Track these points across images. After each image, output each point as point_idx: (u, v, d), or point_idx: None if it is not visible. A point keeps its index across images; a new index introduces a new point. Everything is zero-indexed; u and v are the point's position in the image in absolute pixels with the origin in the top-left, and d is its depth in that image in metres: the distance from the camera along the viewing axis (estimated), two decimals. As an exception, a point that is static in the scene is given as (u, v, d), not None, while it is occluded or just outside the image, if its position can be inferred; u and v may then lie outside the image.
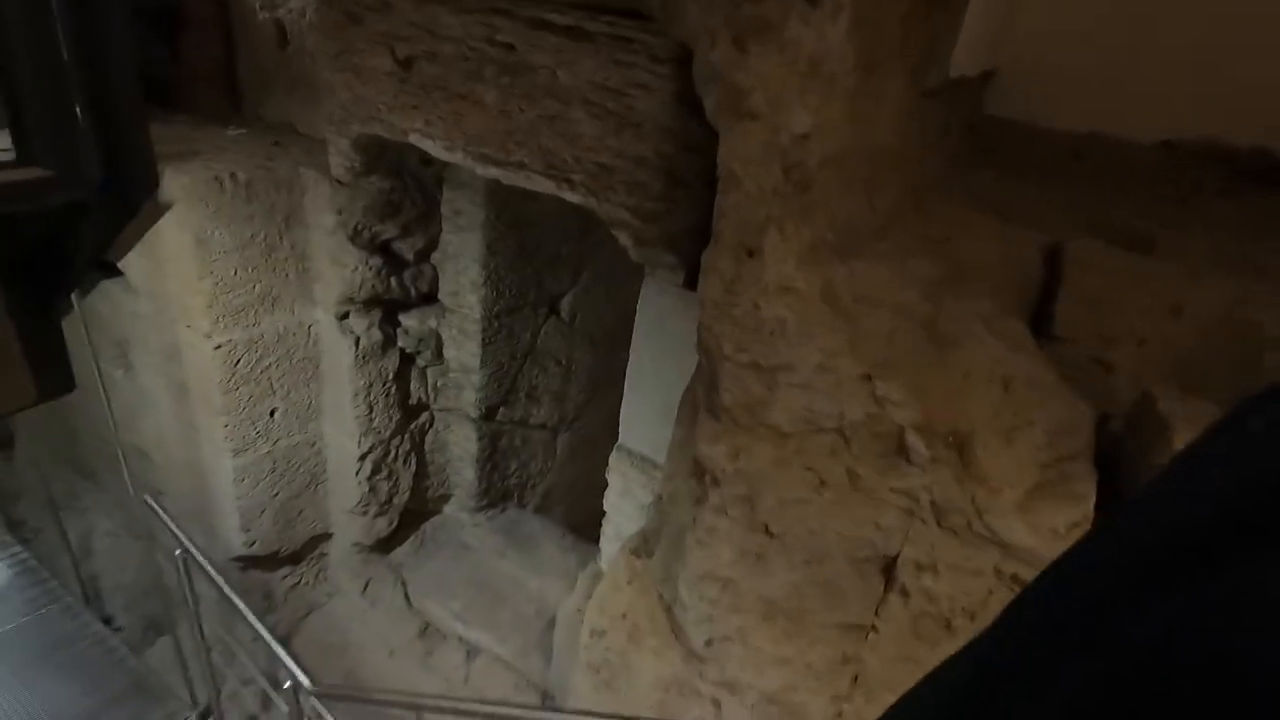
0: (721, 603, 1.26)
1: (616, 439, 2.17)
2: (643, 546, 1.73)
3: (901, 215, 1.43)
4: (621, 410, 2.08)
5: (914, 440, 0.94)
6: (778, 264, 0.96)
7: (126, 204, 1.83)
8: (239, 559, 2.73)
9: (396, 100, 1.87)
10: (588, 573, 2.29)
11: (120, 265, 2.47)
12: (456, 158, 1.78)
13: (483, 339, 2.72)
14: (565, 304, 3.09)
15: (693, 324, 1.50)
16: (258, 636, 2.81)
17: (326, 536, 3.01)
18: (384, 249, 2.46)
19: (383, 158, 2.21)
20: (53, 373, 1.87)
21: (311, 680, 1.71)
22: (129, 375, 2.87)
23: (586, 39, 1.45)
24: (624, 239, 1.58)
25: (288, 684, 1.78)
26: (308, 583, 3.05)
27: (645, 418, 1.95)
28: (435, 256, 2.65)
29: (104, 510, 3.64)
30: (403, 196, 2.37)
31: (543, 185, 1.65)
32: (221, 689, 2.57)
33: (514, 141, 1.66)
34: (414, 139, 1.86)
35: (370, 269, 2.40)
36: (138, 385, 2.80)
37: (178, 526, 2.16)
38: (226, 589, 1.98)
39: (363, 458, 2.68)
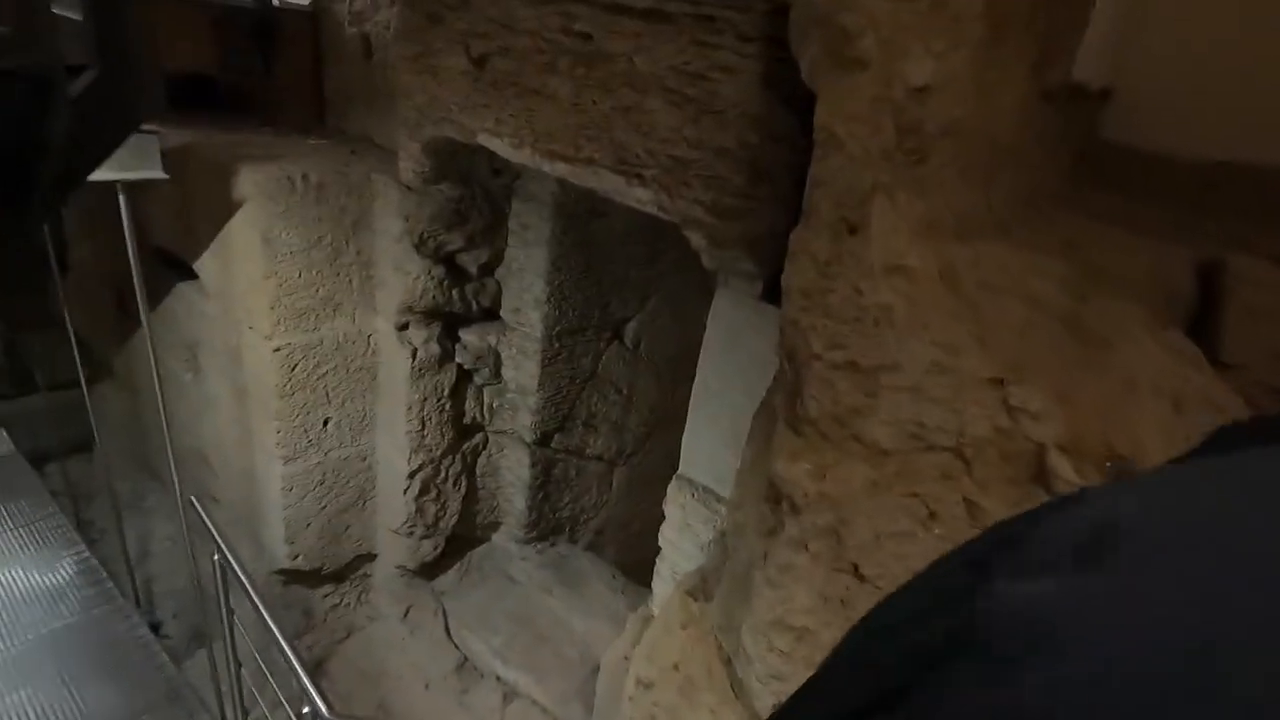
0: (794, 657, 1.05)
1: (670, 479, 1.99)
2: (701, 587, 1.53)
3: (1020, 220, 1.23)
4: (684, 436, 1.91)
5: (1058, 463, 0.73)
6: (886, 239, 0.79)
7: (112, 114, 1.43)
8: (282, 572, 2.66)
9: (469, 100, 1.81)
10: (638, 615, 2.08)
11: (195, 267, 2.51)
12: (524, 155, 1.70)
13: (542, 359, 2.62)
14: (630, 330, 2.97)
15: (769, 341, 1.33)
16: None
17: (371, 557, 2.91)
18: (448, 261, 2.40)
19: (453, 164, 2.17)
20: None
21: (329, 708, 1.57)
22: (197, 379, 2.90)
23: (666, 21, 1.35)
24: (697, 240, 1.44)
25: (306, 710, 1.64)
26: (349, 604, 2.95)
27: (710, 444, 1.76)
28: (499, 272, 2.59)
29: (165, 514, 3.67)
30: (470, 206, 2.32)
31: (611, 182, 1.54)
32: (249, 710, 2.46)
33: (585, 136, 1.56)
34: (482, 139, 1.80)
35: (433, 279, 2.34)
36: (203, 389, 2.82)
37: (222, 534, 2.10)
38: (256, 599, 1.88)
39: (412, 475, 2.58)
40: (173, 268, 2.67)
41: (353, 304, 2.37)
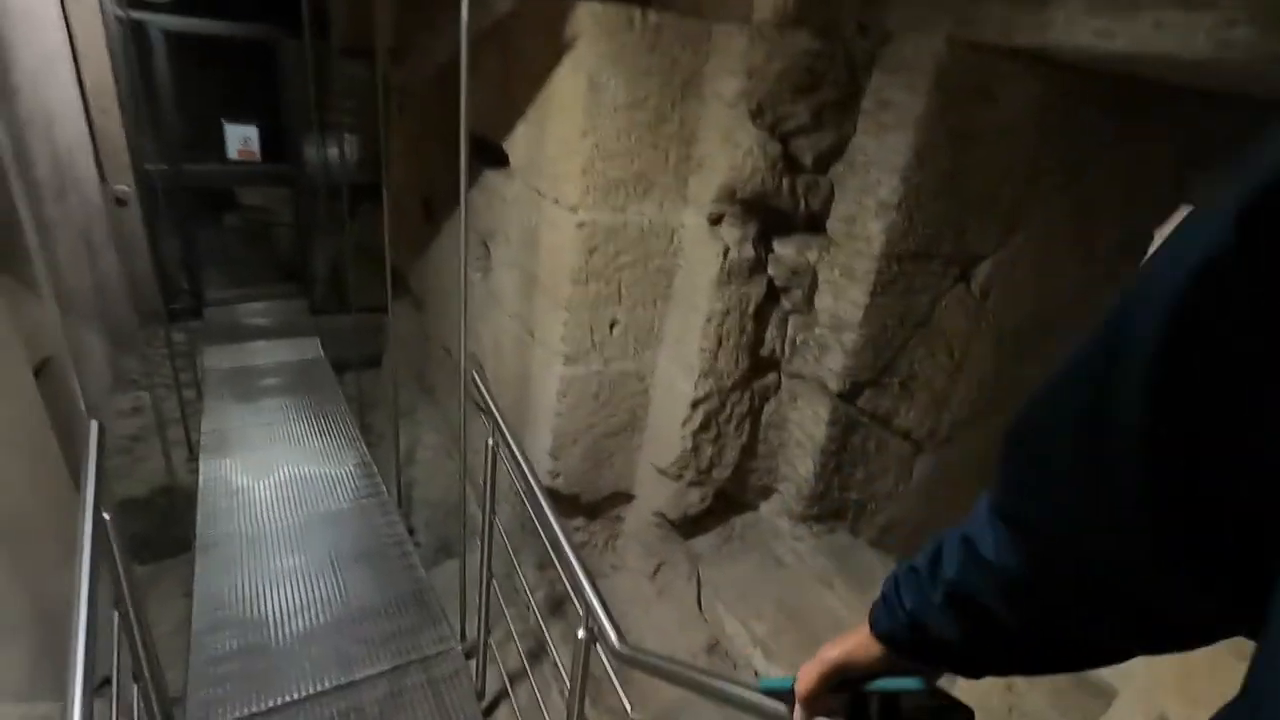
0: None
1: (990, 482, 1.29)
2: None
3: None
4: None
5: None
6: None
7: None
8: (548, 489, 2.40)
9: None
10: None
11: (505, 145, 2.35)
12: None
13: (873, 286, 2.05)
14: (981, 272, 2.28)
15: None
16: (548, 580, 2.45)
17: (628, 498, 2.57)
18: (783, 142, 1.95)
19: (820, 5, 1.70)
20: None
21: (621, 637, 1.16)
22: (485, 279, 2.80)
23: None
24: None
25: (582, 634, 1.26)
26: (596, 545, 2.64)
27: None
28: (835, 170, 2.08)
29: (433, 425, 3.75)
30: (826, 69, 1.84)
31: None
32: (492, 629, 2.22)
33: None
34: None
35: (766, 157, 1.90)
36: (489, 287, 2.70)
37: (502, 418, 1.85)
38: (539, 489, 1.57)
39: (696, 404, 2.17)
40: (480, 156, 2.56)
41: (664, 187, 2.02)
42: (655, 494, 2.45)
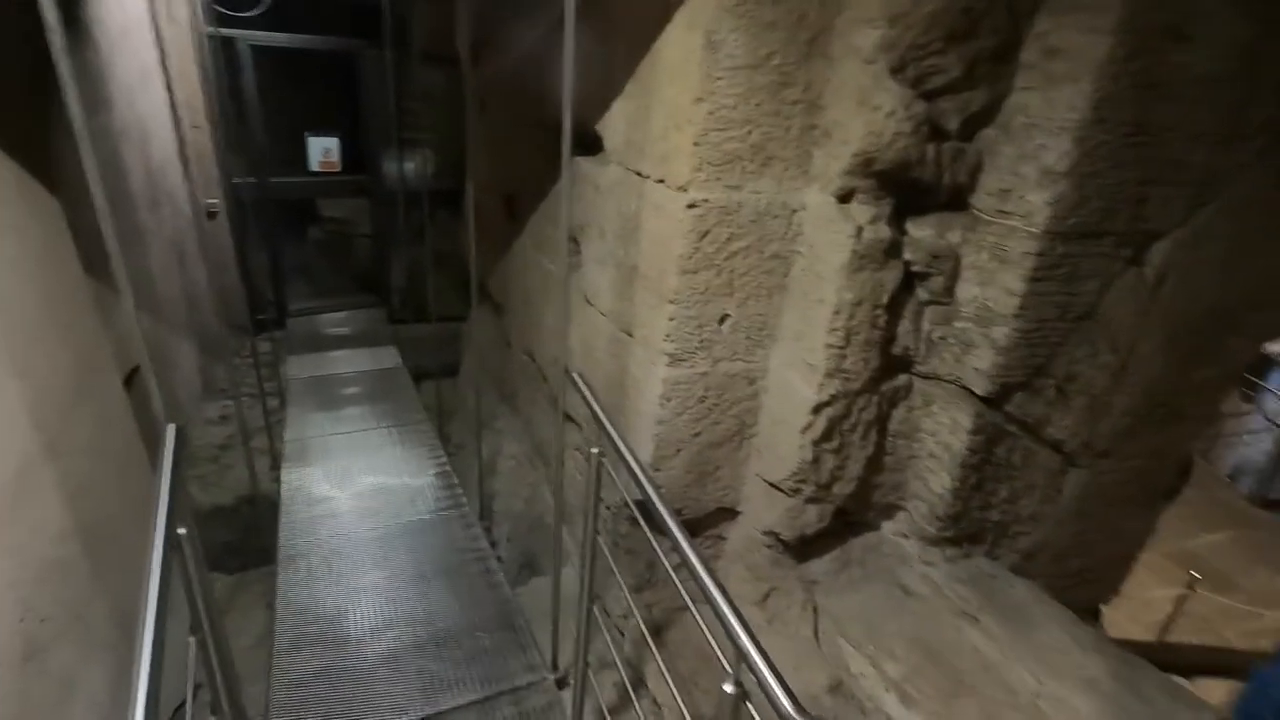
0: None
1: (1152, 503, 1.07)
2: None
3: None
4: None
5: None
6: None
7: None
8: (638, 505, 2.18)
9: None
10: None
11: (599, 127, 2.16)
12: None
13: (1032, 271, 1.75)
14: (1157, 253, 1.93)
15: None
16: (644, 603, 2.22)
17: (732, 514, 2.32)
18: (928, 100, 1.67)
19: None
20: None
21: (796, 703, 0.91)
22: (574, 276, 2.62)
23: None
24: None
25: (731, 689, 1.02)
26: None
27: None
28: (984, 136, 1.78)
29: (514, 434, 3.59)
30: (984, 10, 1.56)
31: None
32: (589, 659, 2.01)
33: None
34: None
35: (910, 119, 1.63)
36: (579, 285, 2.51)
37: (610, 420, 1.63)
38: (663, 508, 1.34)
39: (818, 409, 1.90)
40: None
41: (784, 161, 1.77)
42: (765, 511, 2.19)
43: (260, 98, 5.11)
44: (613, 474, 1.70)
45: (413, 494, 3.32)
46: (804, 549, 2.23)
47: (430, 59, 4.99)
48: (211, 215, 5.16)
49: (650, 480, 1.50)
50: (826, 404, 1.90)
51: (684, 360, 1.93)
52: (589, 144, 2.29)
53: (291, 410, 4.31)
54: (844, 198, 1.76)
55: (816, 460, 1.99)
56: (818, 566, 2.27)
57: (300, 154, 5.59)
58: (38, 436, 1.66)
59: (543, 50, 2.66)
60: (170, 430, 1.33)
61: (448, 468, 3.58)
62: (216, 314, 5.13)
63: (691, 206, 1.73)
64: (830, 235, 1.78)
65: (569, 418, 2.77)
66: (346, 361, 5.12)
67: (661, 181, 1.81)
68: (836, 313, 1.79)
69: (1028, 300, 1.79)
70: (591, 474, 1.68)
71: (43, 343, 1.80)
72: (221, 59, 4.59)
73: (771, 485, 2.12)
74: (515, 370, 3.57)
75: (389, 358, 5.25)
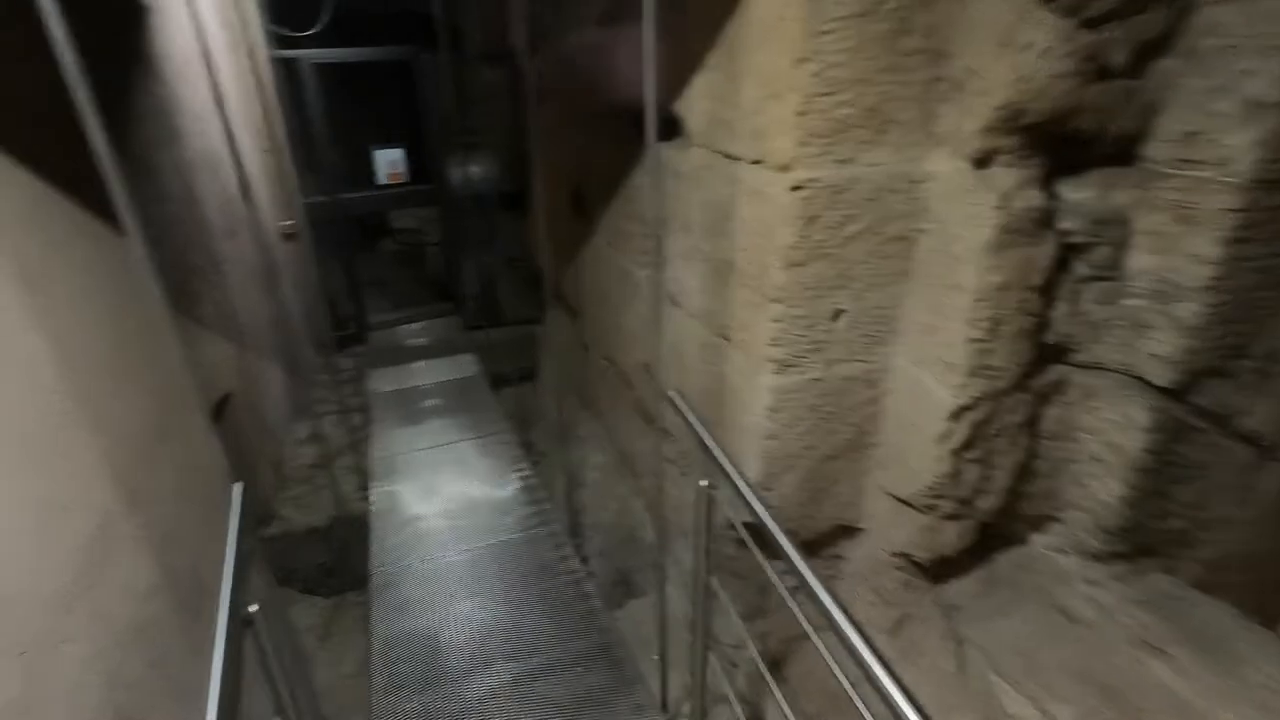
0: None
1: None
2: None
3: None
4: None
5: None
6: None
7: None
8: (746, 525, 1.95)
9: None
10: None
11: (677, 107, 1.92)
12: None
13: (1233, 230, 1.40)
14: (1391, 195, 1.53)
15: None
16: (757, 633, 2.01)
17: (853, 531, 2.06)
18: (1089, 27, 1.35)
19: None
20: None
21: None
22: (654, 276, 2.40)
23: None
24: None
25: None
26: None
27: None
28: (1158, 69, 1.44)
29: (597, 442, 3.43)
30: (1167, -93, 1.23)
31: None
32: (708, 706, 1.80)
33: None
34: None
35: (1069, 55, 1.32)
36: (661, 284, 2.28)
37: (722, 451, 1.41)
38: (777, 531, 1.12)
39: (958, 414, 1.61)
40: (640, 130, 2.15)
41: (905, 125, 1.49)
42: (893, 529, 1.91)
43: (325, 116, 5.13)
44: (723, 503, 1.48)
45: (499, 511, 3.20)
46: (941, 570, 1.94)
47: (488, 58, 4.87)
48: (289, 237, 5.24)
49: (762, 502, 1.28)
50: (968, 407, 1.61)
51: (793, 366, 1.68)
52: (665, 128, 2.06)
53: (376, 426, 4.30)
54: (982, 161, 1.46)
55: (956, 472, 1.70)
56: (958, 589, 1.98)
57: (367, 168, 5.60)
58: (118, 489, 1.59)
59: (606, 29, 2.44)
60: (236, 491, 1.20)
61: (533, 480, 3.45)
62: (301, 334, 5.21)
63: (797, 188, 1.47)
64: (966, 208, 1.48)
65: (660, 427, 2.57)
66: (426, 373, 5.10)
67: (759, 162, 1.56)
68: (979, 300, 1.50)
69: (1225, 268, 1.44)
70: (700, 509, 1.47)
71: (118, 388, 1.74)
72: (285, 81, 4.61)
73: (901, 501, 1.84)
74: (594, 375, 3.39)
75: (467, 366, 5.20)
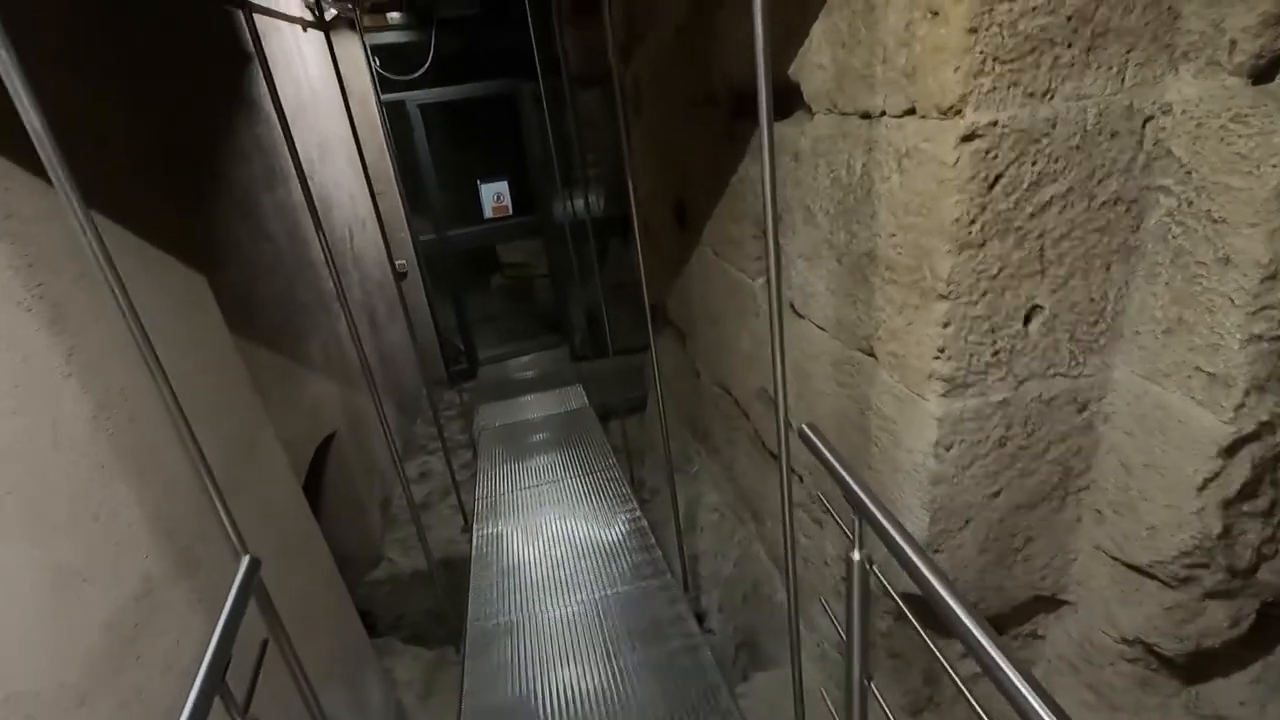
0: None
1: None
2: None
3: None
4: None
5: None
6: None
7: None
8: (905, 597, 1.50)
9: None
10: None
11: (792, 72, 1.56)
12: None
13: None
14: None
15: None
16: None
17: (1056, 604, 1.54)
18: None
19: None
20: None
21: None
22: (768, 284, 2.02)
23: None
24: None
25: None
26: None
27: None
28: None
29: (712, 480, 3.04)
30: None
31: None
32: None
33: None
34: None
35: None
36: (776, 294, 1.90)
37: (871, 500, 1.01)
38: (955, 604, 0.72)
39: (1233, 449, 1.10)
40: (747, 115, 1.80)
41: (1129, 32, 1.04)
42: (1120, 605, 1.39)
43: (432, 154, 5.18)
44: (869, 563, 1.06)
45: (607, 557, 2.89)
46: (1200, 666, 1.39)
47: (586, 81, 4.74)
48: (401, 275, 5.32)
49: (930, 567, 0.86)
50: (1251, 438, 1.10)
51: (969, 385, 1.24)
52: (776, 106, 1.69)
53: (482, 463, 4.15)
54: (1264, 72, 0.98)
55: (1228, 531, 1.18)
56: (1226, 694, 1.41)
57: (474, 203, 5.62)
58: (163, 549, 1.41)
59: (699, 9, 2.13)
60: (244, 564, 0.94)
61: (643, 523, 3.11)
62: (414, 371, 5.24)
63: (969, 139, 1.06)
64: (1236, 145, 1.00)
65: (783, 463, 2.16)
66: (534, 406, 4.94)
67: (910, 113, 1.16)
68: (1271, 278, 1.00)
69: None
70: (854, 586, 1.06)
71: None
72: (393, 122, 4.69)
73: (1133, 568, 1.33)
74: (707, 404, 3.02)
75: (575, 398, 4.99)
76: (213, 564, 1.55)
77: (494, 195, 5.58)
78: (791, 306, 1.81)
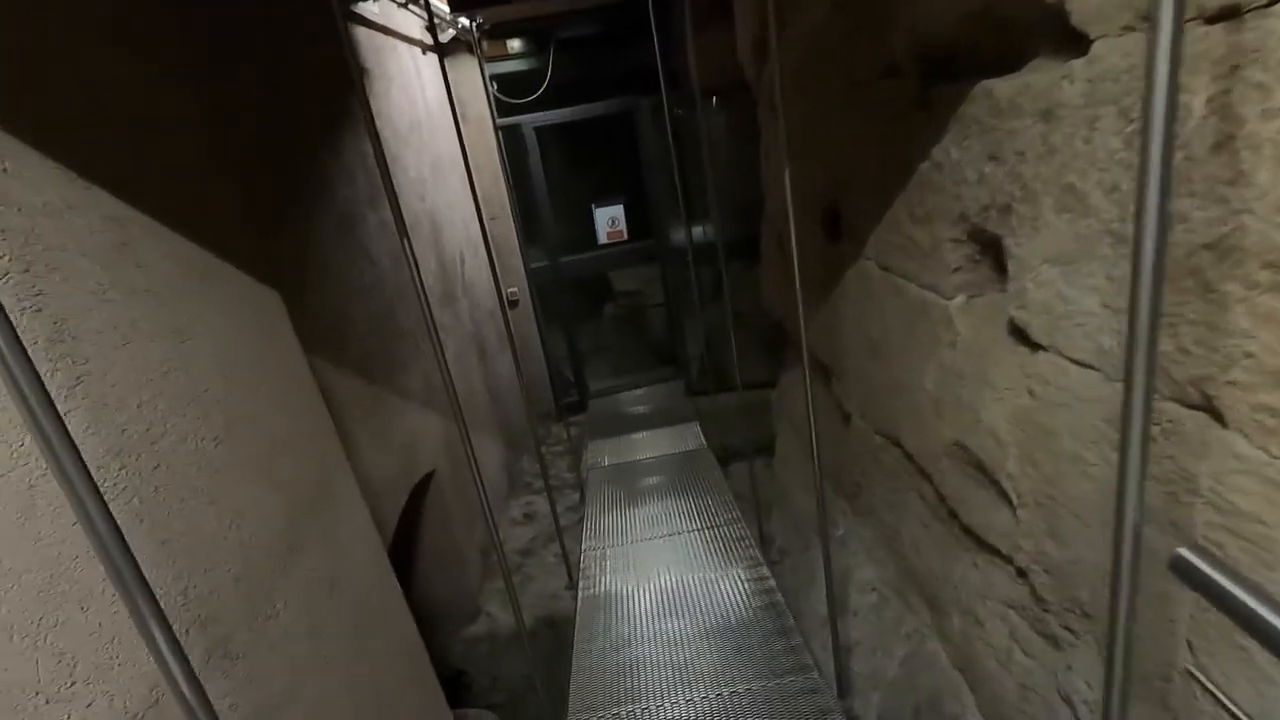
0: None
1: None
2: None
3: None
4: None
5: None
6: None
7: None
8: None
9: None
10: None
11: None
12: None
13: None
14: None
15: None
16: None
17: None
18: None
19: None
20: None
21: None
22: (972, 304, 1.49)
23: None
24: None
25: None
26: None
27: None
28: None
29: (865, 549, 2.47)
30: None
31: None
32: None
33: None
34: None
35: None
36: (999, 315, 1.37)
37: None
38: None
39: None
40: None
41: None
42: None
43: (547, 178, 4.99)
44: None
45: (736, 639, 2.38)
46: None
47: (713, 92, 4.38)
48: (512, 304, 5.13)
49: None
50: None
51: None
52: (977, 59, 1.20)
53: (590, 508, 3.78)
54: None
55: None
56: None
57: (588, 228, 5.37)
58: (243, 606, 1.09)
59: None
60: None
61: (778, 596, 2.59)
62: (521, 404, 5.00)
63: None
64: None
65: (984, 543, 1.59)
66: (647, 445, 4.53)
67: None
68: None
69: None
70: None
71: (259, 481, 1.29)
72: (508, 146, 4.53)
73: None
74: (860, 455, 2.47)
75: (691, 437, 4.54)
76: (262, 652, 1.21)
77: (609, 220, 5.31)
78: (1023, 333, 1.28)
